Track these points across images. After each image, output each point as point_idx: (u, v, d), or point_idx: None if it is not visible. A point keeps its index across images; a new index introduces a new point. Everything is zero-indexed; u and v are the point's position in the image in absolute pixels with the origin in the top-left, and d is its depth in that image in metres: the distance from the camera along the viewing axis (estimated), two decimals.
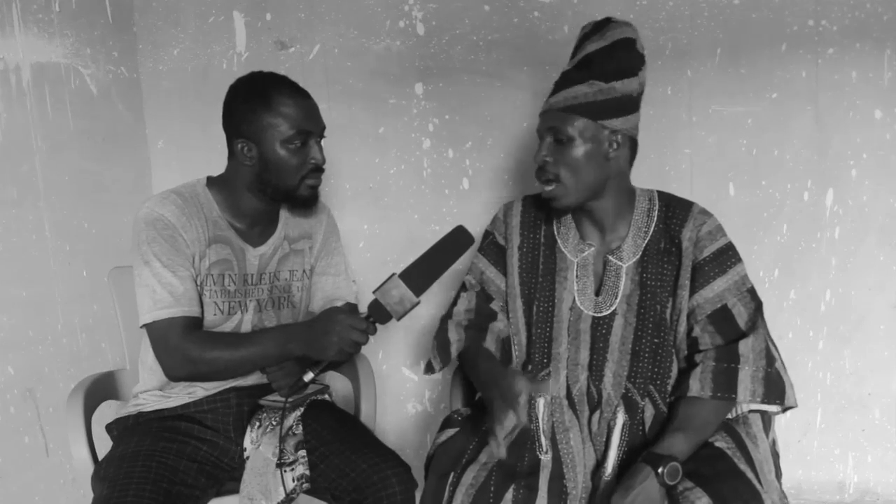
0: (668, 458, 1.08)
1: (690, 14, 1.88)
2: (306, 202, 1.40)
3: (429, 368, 1.44)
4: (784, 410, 1.23)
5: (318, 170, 1.37)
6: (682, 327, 1.26)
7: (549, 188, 1.27)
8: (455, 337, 1.38)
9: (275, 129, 1.31)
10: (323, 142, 1.38)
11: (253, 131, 1.32)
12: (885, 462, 1.95)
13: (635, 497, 1.06)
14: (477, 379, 1.30)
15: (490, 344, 1.36)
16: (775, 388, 1.17)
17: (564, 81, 1.25)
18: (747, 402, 1.17)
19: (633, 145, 1.29)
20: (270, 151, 1.32)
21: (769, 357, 1.18)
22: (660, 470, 1.07)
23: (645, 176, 1.92)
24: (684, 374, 1.23)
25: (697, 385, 1.18)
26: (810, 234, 1.90)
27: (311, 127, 1.34)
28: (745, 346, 1.18)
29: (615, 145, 1.24)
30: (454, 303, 1.45)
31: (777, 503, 1.11)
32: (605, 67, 1.22)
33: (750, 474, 1.09)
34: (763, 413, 1.28)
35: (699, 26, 1.88)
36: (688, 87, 1.91)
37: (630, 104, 1.24)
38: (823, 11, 1.81)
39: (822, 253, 1.90)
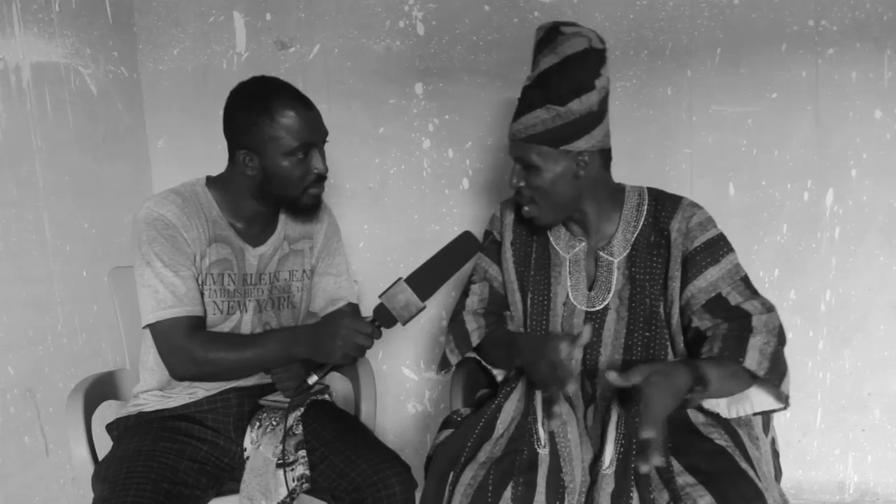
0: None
1: (690, 14, 1.88)
2: (309, 210, 1.40)
3: (444, 365, 1.44)
4: (786, 406, 1.23)
5: (321, 179, 1.37)
6: (675, 319, 1.26)
7: (527, 209, 1.31)
8: (474, 325, 1.40)
9: (277, 142, 1.29)
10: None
11: (255, 143, 1.30)
12: (885, 462, 1.95)
13: (658, 370, 1.01)
14: (510, 354, 1.30)
15: (511, 328, 1.40)
16: (777, 369, 1.15)
17: (525, 104, 1.26)
18: (753, 370, 1.13)
19: (603, 154, 1.29)
20: (272, 163, 1.31)
21: (781, 336, 1.18)
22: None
23: (645, 176, 1.93)
24: None
25: (707, 347, 1.18)
26: (810, 234, 1.90)
27: (313, 138, 1.33)
28: (758, 321, 1.17)
29: (582, 164, 1.26)
30: (463, 297, 1.46)
31: (778, 502, 1.11)
32: (560, 89, 1.21)
33: (752, 473, 1.09)
34: (763, 414, 1.28)
35: (699, 26, 1.88)
36: (688, 87, 1.91)
37: (591, 121, 1.23)
38: (823, 11, 1.81)
39: (822, 253, 1.90)
